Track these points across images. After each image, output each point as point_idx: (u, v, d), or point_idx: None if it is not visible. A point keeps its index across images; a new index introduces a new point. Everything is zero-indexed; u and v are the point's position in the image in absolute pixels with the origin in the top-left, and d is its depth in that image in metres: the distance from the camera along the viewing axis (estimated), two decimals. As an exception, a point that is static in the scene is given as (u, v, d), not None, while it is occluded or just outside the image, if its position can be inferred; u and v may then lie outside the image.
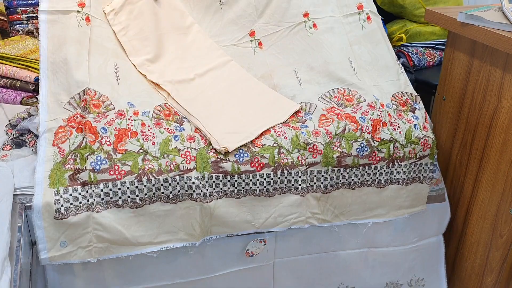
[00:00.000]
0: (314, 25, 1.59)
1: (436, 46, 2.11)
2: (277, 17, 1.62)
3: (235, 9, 1.66)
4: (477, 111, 1.47)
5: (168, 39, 1.55)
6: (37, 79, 1.61)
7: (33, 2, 1.99)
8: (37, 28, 1.95)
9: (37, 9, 1.98)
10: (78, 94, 1.29)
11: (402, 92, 1.53)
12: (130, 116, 1.28)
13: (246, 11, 1.65)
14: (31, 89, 1.63)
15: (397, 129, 1.43)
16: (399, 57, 2.01)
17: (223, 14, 1.66)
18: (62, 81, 1.29)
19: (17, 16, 1.99)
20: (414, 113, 1.49)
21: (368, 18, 1.62)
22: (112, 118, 1.26)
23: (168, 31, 1.56)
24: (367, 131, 1.39)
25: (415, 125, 1.45)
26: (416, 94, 1.54)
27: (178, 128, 1.30)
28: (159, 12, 1.56)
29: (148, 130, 1.27)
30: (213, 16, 1.66)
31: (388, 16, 2.24)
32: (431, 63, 2.07)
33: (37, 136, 1.30)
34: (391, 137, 1.41)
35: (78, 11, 1.39)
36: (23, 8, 1.98)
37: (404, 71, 1.60)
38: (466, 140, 1.52)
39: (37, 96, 1.41)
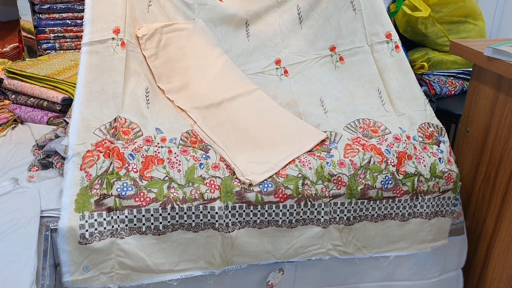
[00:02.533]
0: (341, 59, 1.60)
1: (458, 75, 2.10)
2: (303, 48, 1.63)
3: (261, 38, 1.68)
4: (501, 145, 1.45)
5: (196, 69, 1.56)
6: (64, 100, 1.63)
7: (60, 22, 2.03)
8: (63, 49, 2.00)
9: (65, 29, 2.04)
10: (109, 122, 1.30)
11: (428, 123, 1.53)
12: (158, 143, 1.29)
13: (272, 40, 1.68)
14: (58, 110, 1.65)
15: (422, 162, 1.42)
16: (420, 86, 1.99)
17: (249, 44, 1.68)
18: (95, 109, 1.31)
19: (45, 35, 2.03)
20: (439, 146, 1.48)
21: (397, 47, 1.62)
22: (140, 145, 1.27)
23: (197, 62, 1.58)
24: (392, 163, 1.39)
25: (439, 158, 1.45)
26: (441, 126, 1.54)
27: (203, 156, 1.31)
28: (187, 44, 1.59)
29: (175, 157, 1.27)
30: (240, 46, 1.68)
31: (410, 44, 2.25)
32: (453, 92, 2.06)
33: (63, 158, 1.32)
34: (415, 170, 1.41)
35: (113, 38, 1.42)
36: (51, 28, 2.03)
37: (428, 102, 1.60)
38: (490, 173, 1.51)
39: (64, 118, 1.43)
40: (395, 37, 1.64)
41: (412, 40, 2.23)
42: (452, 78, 2.10)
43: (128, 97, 1.36)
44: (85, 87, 1.33)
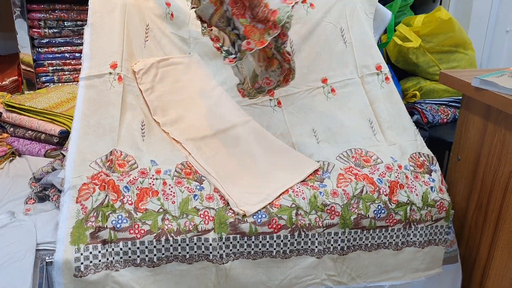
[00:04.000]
0: (333, 90, 1.64)
1: (450, 103, 2.14)
2: (296, 80, 1.66)
3: None
4: (492, 173, 1.47)
5: (191, 102, 1.60)
6: (61, 132, 1.65)
7: (59, 56, 2.08)
8: (62, 82, 2.03)
9: (63, 62, 2.08)
10: (105, 155, 1.33)
11: (419, 152, 1.55)
12: (152, 175, 1.31)
13: (266, 73, 1.71)
14: (55, 142, 1.67)
15: (414, 191, 1.44)
16: (413, 114, 2.03)
17: None
18: (92, 142, 1.34)
19: (44, 69, 2.07)
20: (430, 175, 1.50)
21: (387, 78, 1.67)
22: (135, 177, 1.29)
23: (192, 94, 1.61)
24: (385, 193, 1.40)
25: (431, 187, 1.46)
26: (432, 155, 1.56)
27: (198, 187, 1.33)
28: (183, 78, 1.62)
29: (169, 189, 1.29)
30: (234, 78, 1.71)
31: (402, 73, 2.29)
32: (445, 120, 2.09)
33: (60, 191, 1.33)
34: (408, 199, 1.42)
35: (110, 73, 1.46)
36: (50, 62, 2.07)
37: (418, 132, 1.63)
38: (482, 201, 1.52)
39: (61, 151, 1.45)
40: (385, 69, 1.68)
41: (404, 70, 2.28)
42: (444, 106, 2.13)
43: (124, 130, 1.39)
44: (82, 121, 1.36)
